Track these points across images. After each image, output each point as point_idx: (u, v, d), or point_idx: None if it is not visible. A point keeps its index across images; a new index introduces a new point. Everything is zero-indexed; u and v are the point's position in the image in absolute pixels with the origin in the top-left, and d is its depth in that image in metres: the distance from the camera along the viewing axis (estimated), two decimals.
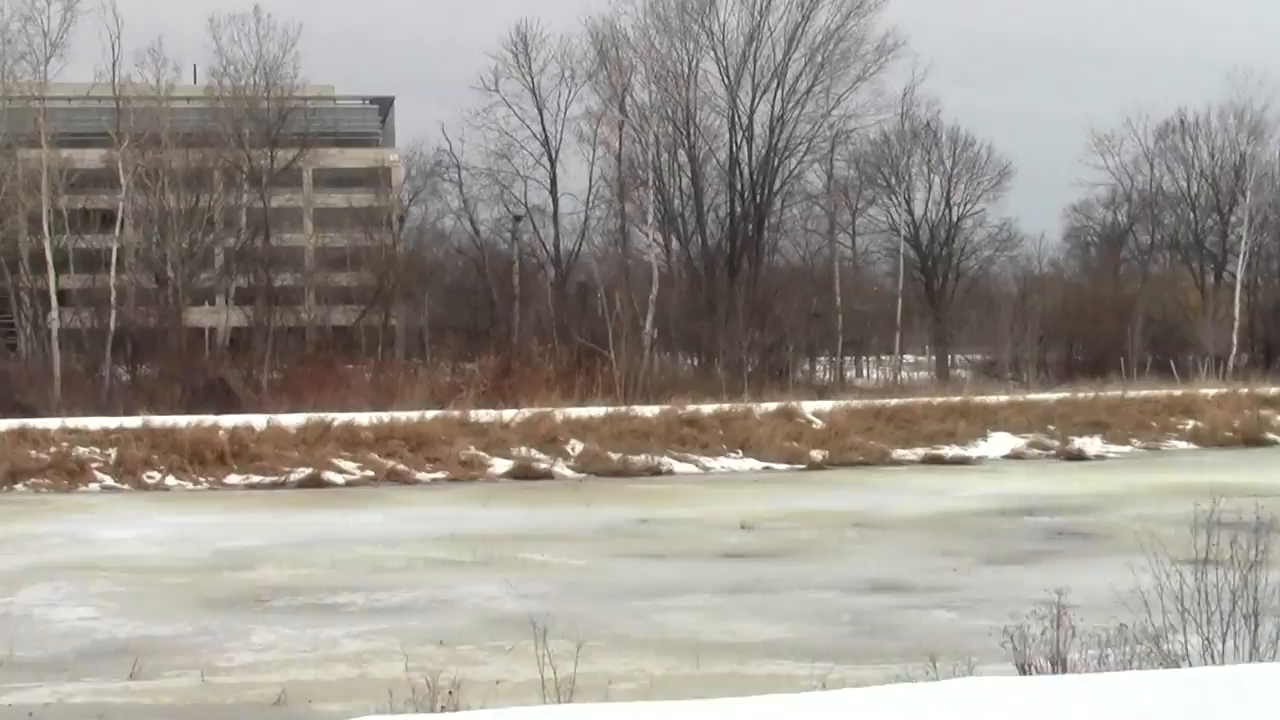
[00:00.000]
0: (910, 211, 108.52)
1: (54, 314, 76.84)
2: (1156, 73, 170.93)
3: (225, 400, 67.56)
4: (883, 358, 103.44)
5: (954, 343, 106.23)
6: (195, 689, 21.18)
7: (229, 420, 57.73)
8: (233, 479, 54.47)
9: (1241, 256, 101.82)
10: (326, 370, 72.78)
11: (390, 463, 56.22)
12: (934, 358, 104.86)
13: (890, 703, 12.88)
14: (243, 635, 25.21)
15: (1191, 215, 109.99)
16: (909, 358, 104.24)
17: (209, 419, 57.60)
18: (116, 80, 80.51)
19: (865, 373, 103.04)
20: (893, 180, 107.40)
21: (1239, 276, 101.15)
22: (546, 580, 31.14)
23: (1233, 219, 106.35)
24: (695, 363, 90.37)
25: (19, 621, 25.64)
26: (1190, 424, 68.72)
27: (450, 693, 16.21)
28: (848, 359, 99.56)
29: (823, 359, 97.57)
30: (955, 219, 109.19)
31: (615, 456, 57.85)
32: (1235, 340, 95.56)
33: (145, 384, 72.44)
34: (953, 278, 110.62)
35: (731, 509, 43.90)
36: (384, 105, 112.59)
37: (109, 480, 53.65)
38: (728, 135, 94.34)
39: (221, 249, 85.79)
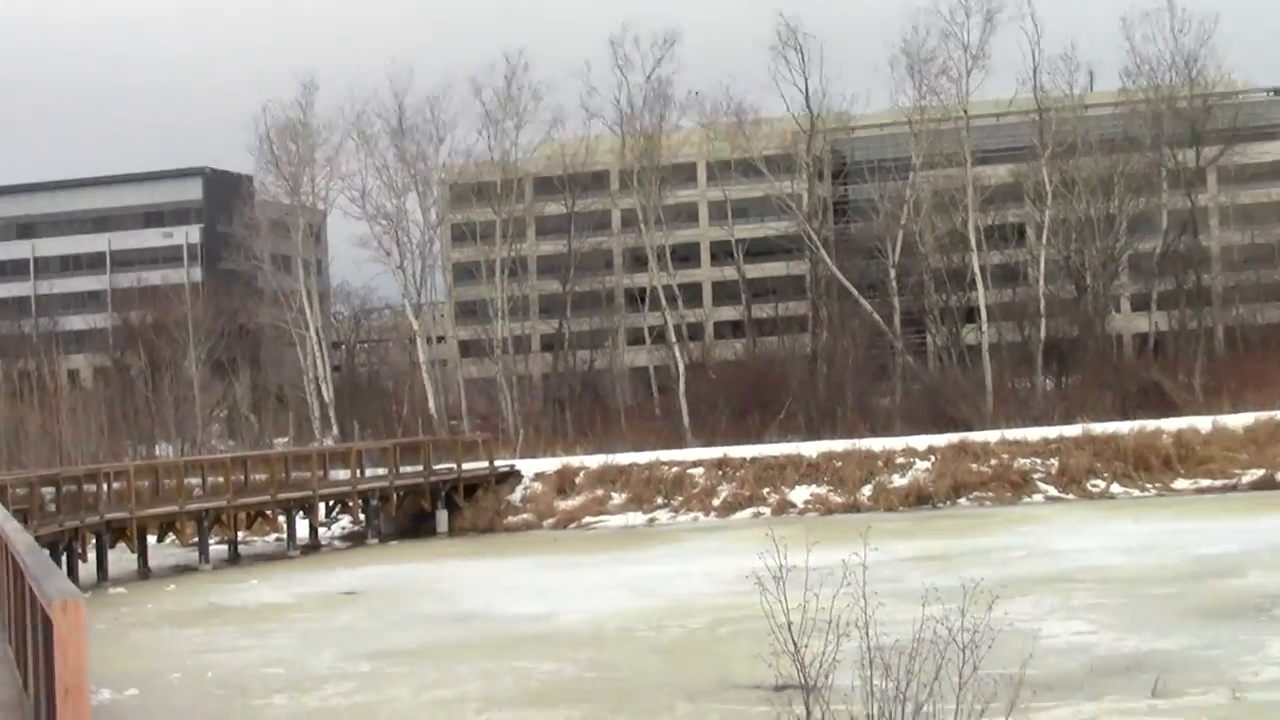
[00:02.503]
0: None
1: (984, 327, 76.97)
2: None
3: (1157, 404, 64.74)
4: None
5: None
6: (1227, 707, 18.93)
7: (1172, 424, 55.09)
8: (1180, 484, 52.00)
9: None
10: (1262, 368, 68.42)
11: None
12: None
13: None
14: (1257, 648, 22.68)
15: None
16: None
17: (1150, 424, 55.17)
18: (1038, 89, 79.66)
19: None
20: None
21: None
22: None
23: None
24: None
25: (1010, 636, 24.10)
26: None
27: None
28: None
29: None
30: None
31: None
32: None
33: (1073, 392, 70.87)
34: None
35: None
36: None
37: (1052, 490, 52.48)
38: None
39: (1129, 253, 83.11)
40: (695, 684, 22.45)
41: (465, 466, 57.76)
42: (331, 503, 55.52)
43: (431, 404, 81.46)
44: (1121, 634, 24.64)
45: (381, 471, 56.77)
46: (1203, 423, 55.13)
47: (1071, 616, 26.77)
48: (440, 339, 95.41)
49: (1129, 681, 20.50)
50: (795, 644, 12.25)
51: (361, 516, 54.68)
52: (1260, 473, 51.59)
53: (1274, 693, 19.64)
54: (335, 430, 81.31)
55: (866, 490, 53.00)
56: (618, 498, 55.31)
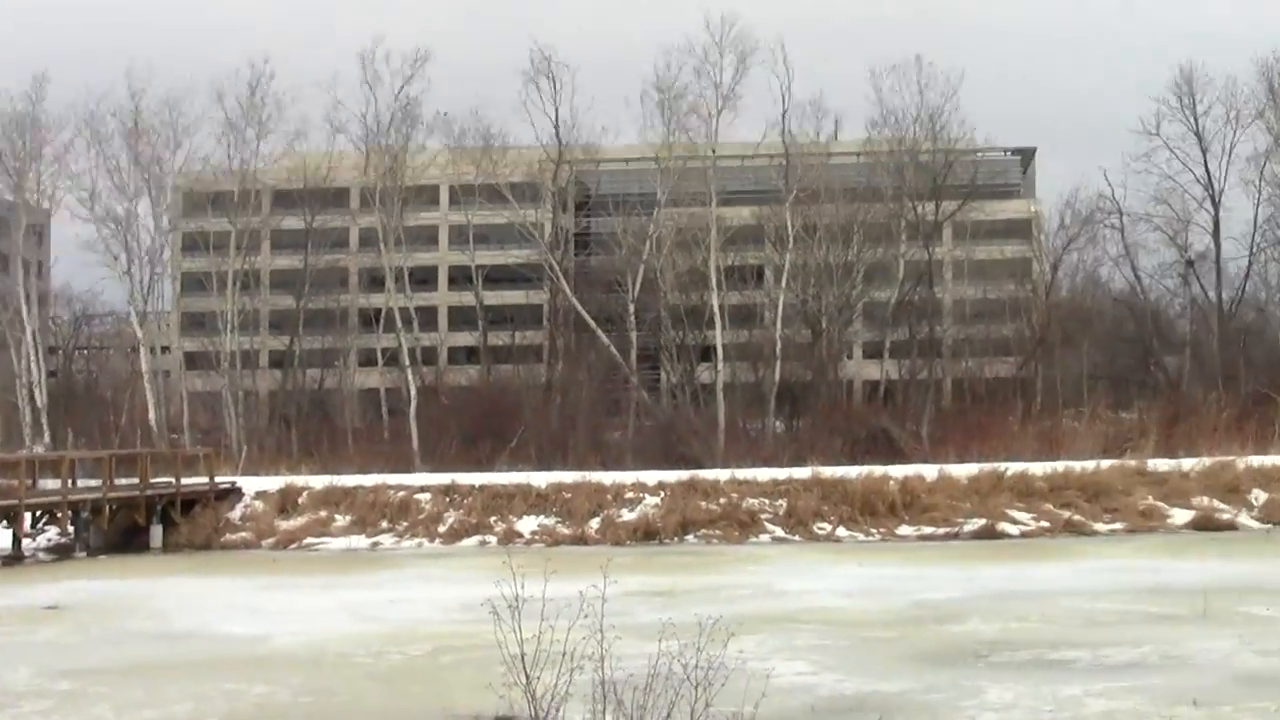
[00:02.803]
0: None
1: (719, 367, 77.53)
2: None
3: (886, 451, 65.83)
4: None
5: None
6: None
7: (899, 471, 56.04)
8: (904, 530, 52.80)
9: None
10: (987, 420, 70.08)
11: (1066, 513, 53.44)
12: None
13: None
14: (976, 693, 22.66)
15: None
16: None
17: (879, 470, 56.06)
18: (785, 134, 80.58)
19: None
20: None
21: None
22: None
23: None
24: None
25: (739, 675, 23.83)
26: None
27: None
28: None
29: None
30: None
31: None
32: None
33: (803, 435, 71.67)
34: None
35: None
36: (1026, 156, 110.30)
37: (779, 531, 52.76)
38: None
39: (864, 301, 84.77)
40: (414, 712, 21.68)
41: (184, 481, 55.92)
42: (39, 513, 52.95)
43: (152, 415, 78.94)
44: (844, 675, 24.52)
45: (95, 483, 54.58)
46: (929, 471, 56.22)
47: (795, 657, 26.59)
48: (165, 349, 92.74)
49: None
50: (527, 675, 11.68)
51: (70, 529, 52.43)
52: (981, 522, 52.71)
53: None
54: (47, 438, 78.27)
55: (594, 523, 52.69)
56: (341, 520, 54.05)
